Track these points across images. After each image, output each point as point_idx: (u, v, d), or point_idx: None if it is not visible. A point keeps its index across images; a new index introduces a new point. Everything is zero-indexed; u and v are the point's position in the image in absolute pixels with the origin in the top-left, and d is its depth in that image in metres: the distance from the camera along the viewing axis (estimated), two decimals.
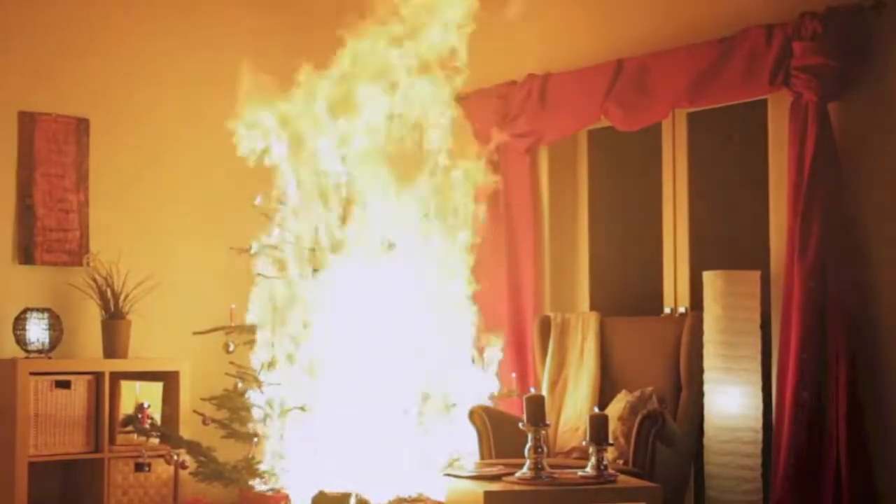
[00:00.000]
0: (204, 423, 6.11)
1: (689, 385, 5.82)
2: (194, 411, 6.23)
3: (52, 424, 6.15)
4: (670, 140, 6.37)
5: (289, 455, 6.00)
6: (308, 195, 6.12)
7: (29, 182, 6.47)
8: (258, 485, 5.95)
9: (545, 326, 6.37)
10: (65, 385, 6.21)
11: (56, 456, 6.18)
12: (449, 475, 5.28)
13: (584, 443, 5.18)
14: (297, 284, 6.10)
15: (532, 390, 5.47)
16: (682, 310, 6.21)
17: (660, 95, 6.07)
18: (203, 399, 6.19)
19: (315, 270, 6.09)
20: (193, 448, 6.03)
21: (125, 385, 6.34)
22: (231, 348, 6.16)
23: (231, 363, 6.13)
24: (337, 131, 6.07)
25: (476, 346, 6.28)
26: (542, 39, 6.66)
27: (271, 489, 5.92)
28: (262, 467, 5.95)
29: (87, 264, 6.47)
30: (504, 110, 6.67)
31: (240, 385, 6.13)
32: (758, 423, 5.65)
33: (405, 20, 5.99)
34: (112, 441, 6.27)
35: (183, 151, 6.94)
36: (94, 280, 6.42)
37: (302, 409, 5.91)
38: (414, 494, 5.70)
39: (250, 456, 5.99)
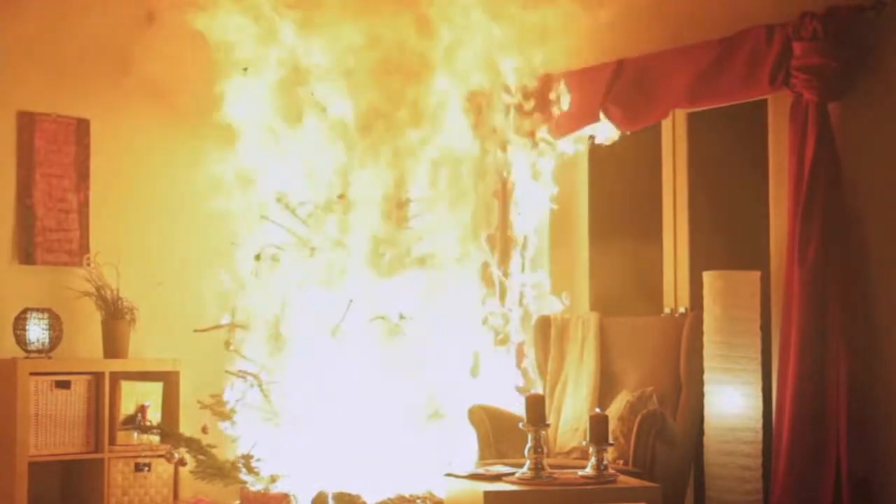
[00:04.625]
0: (203, 431, 6.11)
1: (689, 385, 5.82)
2: (198, 401, 6.22)
3: (52, 424, 6.14)
4: (670, 140, 6.36)
5: (288, 455, 6.01)
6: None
7: (29, 182, 6.47)
8: (257, 483, 5.95)
9: (545, 326, 6.37)
10: (65, 385, 6.21)
11: (56, 456, 6.17)
12: (449, 475, 5.28)
13: (584, 443, 5.19)
14: (297, 282, 6.13)
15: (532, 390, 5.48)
16: (682, 310, 6.20)
17: (660, 95, 6.07)
18: (207, 400, 6.19)
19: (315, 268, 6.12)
20: (193, 445, 6.03)
21: (125, 385, 6.34)
22: (232, 346, 6.17)
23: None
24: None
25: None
26: (542, 40, 6.65)
27: (270, 488, 5.93)
28: (260, 466, 5.96)
29: (87, 265, 6.46)
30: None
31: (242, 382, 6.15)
32: (758, 423, 5.65)
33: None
34: (112, 441, 6.27)
35: (183, 150, 6.93)
36: (94, 280, 6.42)
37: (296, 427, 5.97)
38: (416, 492, 5.72)
39: (249, 454, 5.99)
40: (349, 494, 5.69)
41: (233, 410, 6.13)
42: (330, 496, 5.61)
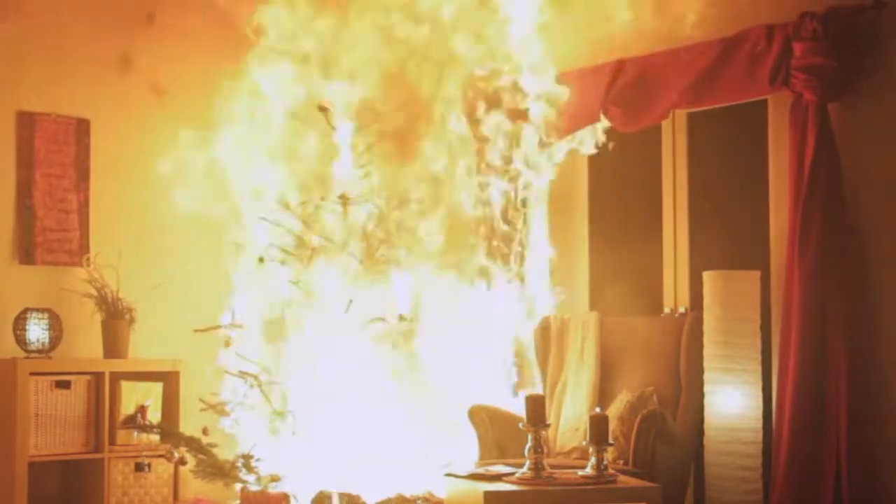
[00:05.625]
0: (204, 433, 6.11)
1: (689, 385, 5.81)
2: (200, 399, 6.22)
3: (52, 424, 6.14)
4: (670, 140, 6.36)
5: (288, 454, 6.02)
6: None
7: (29, 182, 6.47)
8: (257, 483, 5.95)
9: (545, 327, 6.37)
10: (65, 385, 6.20)
11: (56, 456, 6.17)
12: (449, 475, 5.28)
13: (584, 443, 5.18)
14: (298, 282, 6.14)
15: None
16: (682, 310, 6.21)
17: (660, 95, 6.07)
18: (209, 399, 6.19)
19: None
20: (193, 445, 6.04)
21: (125, 385, 6.34)
22: (232, 347, 6.17)
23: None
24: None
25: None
26: (542, 40, 6.65)
27: (270, 488, 5.93)
28: (260, 465, 5.96)
29: (87, 265, 6.46)
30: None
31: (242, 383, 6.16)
32: (758, 423, 5.65)
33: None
34: (112, 441, 6.27)
35: (183, 151, 6.92)
36: (94, 280, 6.42)
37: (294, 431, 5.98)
38: (416, 492, 5.72)
39: (249, 453, 6.00)
40: (349, 494, 5.69)
41: (231, 410, 6.14)
42: (335, 496, 5.60)
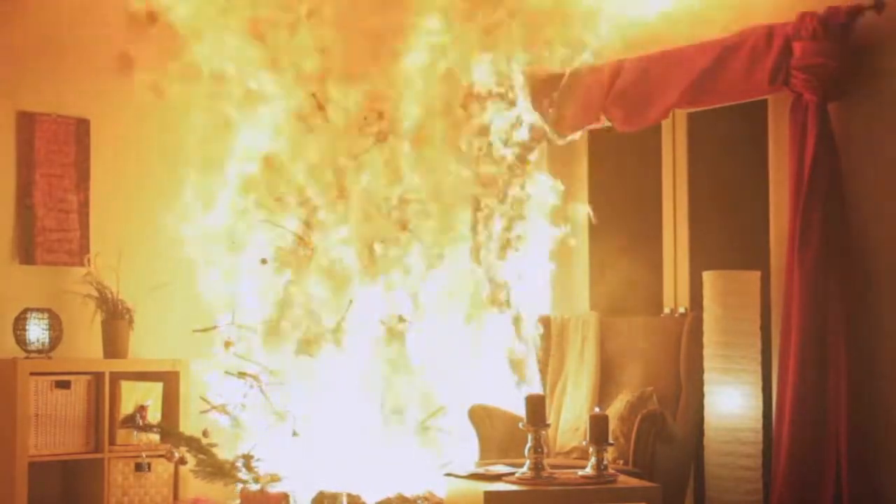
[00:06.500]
0: (204, 435, 6.11)
1: (689, 385, 5.82)
2: (201, 398, 6.22)
3: (52, 424, 6.14)
4: (670, 140, 6.37)
5: (288, 454, 6.02)
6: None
7: (29, 182, 6.47)
8: (256, 484, 5.95)
9: (545, 327, 6.37)
10: (65, 385, 6.21)
11: (56, 456, 6.17)
12: (449, 475, 5.28)
13: (584, 443, 5.19)
14: (298, 283, 6.13)
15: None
16: (682, 310, 6.21)
17: (660, 95, 6.06)
18: (207, 403, 6.20)
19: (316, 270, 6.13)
20: (193, 444, 6.04)
21: (125, 385, 6.34)
22: (232, 347, 6.17)
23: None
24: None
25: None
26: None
27: (269, 488, 5.93)
28: (260, 465, 5.96)
29: (87, 265, 6.46)
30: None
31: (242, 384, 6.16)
32: (758, 423, 5.65)
33: None
34: (112, 441, 6.27)
35: (183, 150, 6.92)
36: (94, 280, 6.42)
37: (295, 431, 5.95)
38: (416, 492, 5.72)
39: (249, 453, 6.00)
40: (349, 494, 5.69)
41: (230, 411, 6.14)
42: (344, 498, 5.61)
